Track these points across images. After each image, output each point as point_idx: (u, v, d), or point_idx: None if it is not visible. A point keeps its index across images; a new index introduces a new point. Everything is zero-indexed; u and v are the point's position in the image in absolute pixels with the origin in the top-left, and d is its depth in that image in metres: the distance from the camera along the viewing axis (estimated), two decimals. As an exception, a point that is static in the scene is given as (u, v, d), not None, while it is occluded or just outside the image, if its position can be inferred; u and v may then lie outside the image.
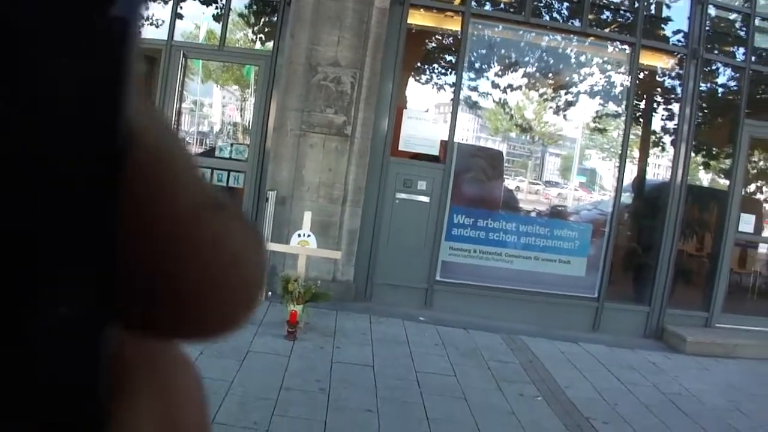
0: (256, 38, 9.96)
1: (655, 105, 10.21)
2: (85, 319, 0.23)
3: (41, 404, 0.23)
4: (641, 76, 9.65)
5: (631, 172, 9.67)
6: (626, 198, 9.68)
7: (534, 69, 9.86)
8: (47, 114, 0.21)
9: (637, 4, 9.26)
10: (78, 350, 0.23)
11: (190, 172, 0.28)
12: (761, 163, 10.82)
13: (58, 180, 0.22)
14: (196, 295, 0.28)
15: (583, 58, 9.82)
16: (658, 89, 10.13)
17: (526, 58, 9.87)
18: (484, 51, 9.59)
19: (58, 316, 0.22)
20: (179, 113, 9.63)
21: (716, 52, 9.60)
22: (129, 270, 0.25)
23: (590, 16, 9.18)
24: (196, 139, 10.64)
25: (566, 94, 9.90)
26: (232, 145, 9.76)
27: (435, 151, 8.93)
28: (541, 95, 9.94)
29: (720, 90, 10.13)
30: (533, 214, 9.83)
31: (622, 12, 9.62)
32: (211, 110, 11.28)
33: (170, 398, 0.29)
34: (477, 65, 9.57)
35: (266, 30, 9.75)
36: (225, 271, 0.28)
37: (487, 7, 9.24)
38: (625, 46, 9.43)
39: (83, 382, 0.24)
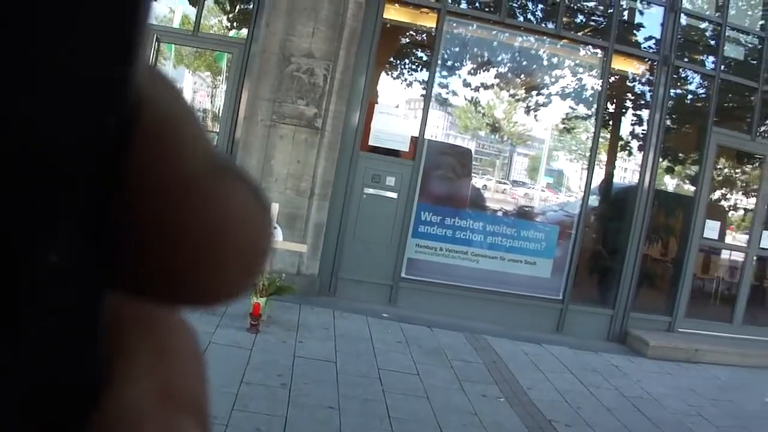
0: (231, 25, 9.89)
1: (624, 109, 10.27)
2: (81, 279, 0.23)
3: (36, 364, 0.22)
4: (612, 80, 9.68)
5: (598, 176, 9.72)
6: (593, 201, 9.70)
7: (506, 69, 9.88)
8: (52, 78, 0.20)
9: (611, 10, 9.29)
10: (75, 310, 0.23)
11: (198, 137, 0.27)
12: (727, 170, 10.94)
13: (61, 144, 0.21)
14: (198, 261, 0.27)
15: (555, 60, 9.85)
16: (629, 94, 10.19)
17: (499, 58, 9.89)
18: (457, 49, 9.59)
19: (52, 277, 0.22)
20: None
21: (687, 59, 9.68)
22: (129, 233, 0.25)
23: (564, 19, 9.19)
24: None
25: (537, 95, 9.93)
26: (201, 132, 9.66)
27: (405, 147, 8.90)
28: (512, 95, 9.97)
29: (689, 97, 10.22)
30: (500, 214, 9.84)
31: (596, 16, 9.66)
32: (181, 96, 11.15)
33: (168, 362, 0.28)
34: (450, 63, 9.57)
35: (241, 18, 9.68)
36: (229, 237, 0.27)
37: (463, 5, 9.22)
38: (598, 50, 9.46)
39: (80, 341, 0.24)
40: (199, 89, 11.27)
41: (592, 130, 9.39)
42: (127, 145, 0.23)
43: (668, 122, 9.66)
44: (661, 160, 9.58)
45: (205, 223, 0.26)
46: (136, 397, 0.26)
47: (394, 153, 8.91)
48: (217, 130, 9.40)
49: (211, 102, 10.98)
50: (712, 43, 9.72)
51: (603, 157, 9.92)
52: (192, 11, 9.49)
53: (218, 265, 0.27)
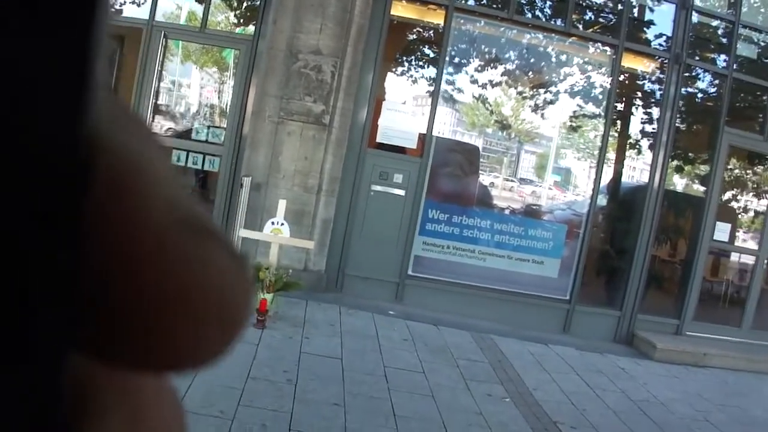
0: (238, 22, 9.87)
1: (634, 108, 10.21)
2: (43, 342, 0.21)
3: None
4: (622, 78, 9.63)
5: (607, 174, 9.66)
6: (602, 200, 9.65)
7: (514, 66, 9.84)
8: None
9: (621, 7, 9.24)
10: (33, 374, 0.21)
11: (166, 186, 0.24)
12: (738, 171, 10.86)
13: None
14: (164, 325, 0.24)
15: (564, 58, 9.80)
16: (639, 92, 10.14)
17: (507, 55, 9.85)
18: (465, 46, 9.54)
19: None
20: (157, 93, 9.53)
21: (698, 58, 9.61)
22: (86, 294, 0.23)
23: (574, 16, 9.14)
24: (173, 120, 10.56)
25: (545, 92, 9.88)
26: (208, 128, 9.66)
27: (413, 144, 8.86)
28: (519, 92, 9.92)
29: (701, 96, 10.15)
30: (507, 212, 9.79)
31: (605, 13, 9.60)
32: (188, 91, 11.18)
33: (143, 426, 0.26)
34: (458, 60, 9.52)
35: (248, 14, 9.66)
36: (206, 302, 0.25)
37: (471, 1, 9.18)
38: (607, 48, 9.41)
39: (38, 404, 0.21)
40: (206, 85, 11.27)
41: (601, 128, 9.34)
42: (85, 178, 0.21)
43: (679, 121, 9.59)
44: (671, 159, 9.51)
45: (178, 287, 0.23)
46: None
47: (401, 150, 8.88)
48: (225, 126, 9.40)
49: (219, 98, 10.98)
50: (725, 41, 9.64)
51: (612, 155, 9.87)
52: (199, 8, 9.50)
53: (189, 332, 0.25)
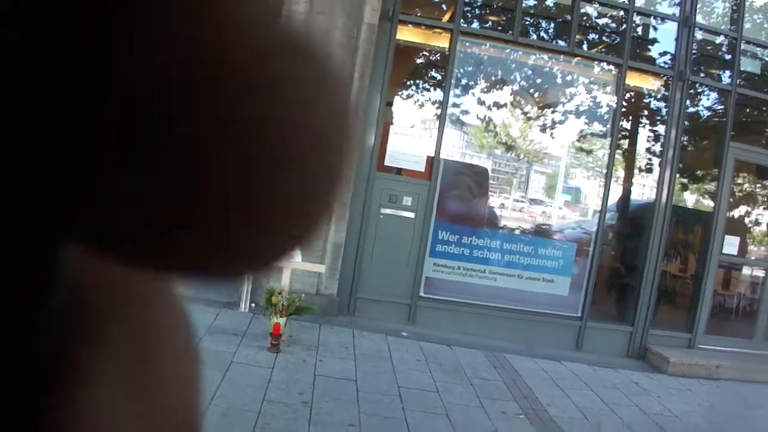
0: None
1: (640, 126, 10.25)
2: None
3: None
4: (627, 96, 9.68)
5: (615, 192, 9.70)
6: (611, 218, 9.68)
7: (520, 87, 9.88)
8: None
9: (624, 26, 9.30)
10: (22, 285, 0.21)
11: (263, 8, 0.23)
12: (746, 185, 10.88)
13: None
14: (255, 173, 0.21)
15: (569, 78, 9.84)
16: (644, 110, 10.18)
17: (513, 77, 9.89)
18: (471, 68, 9.59)
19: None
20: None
21: (702, 74, 9.66)
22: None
23: (577, 37, 9.20)
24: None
25: (552, 112, 9.92)
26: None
27: (421, 167, 8.91)
28: (526, 113, 9.95)
29: (706, 112, 10.19)
30: (517, 232, 9.82)
31: (609, 33, 9.67)
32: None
33: (153, 365, 0.24)
34: (464, 82, 9.58)
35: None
36: (294, 137, 0.23)
37: (475, 25, 9.27)
38: (612, 67, 9.47)
39: (25, 319, 0.21)
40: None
41: (608, 147, 9.38)
42: None
43: (685, 138, 9.63)
44: (678, 176, 9.54)
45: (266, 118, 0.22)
46: (108, 407, 0.21)
47: (410, 173, 8.93)
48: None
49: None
50: (728, 57, 9.69)
51: (620, 173, 9.91)
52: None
53: (284, 181, 0.21)
